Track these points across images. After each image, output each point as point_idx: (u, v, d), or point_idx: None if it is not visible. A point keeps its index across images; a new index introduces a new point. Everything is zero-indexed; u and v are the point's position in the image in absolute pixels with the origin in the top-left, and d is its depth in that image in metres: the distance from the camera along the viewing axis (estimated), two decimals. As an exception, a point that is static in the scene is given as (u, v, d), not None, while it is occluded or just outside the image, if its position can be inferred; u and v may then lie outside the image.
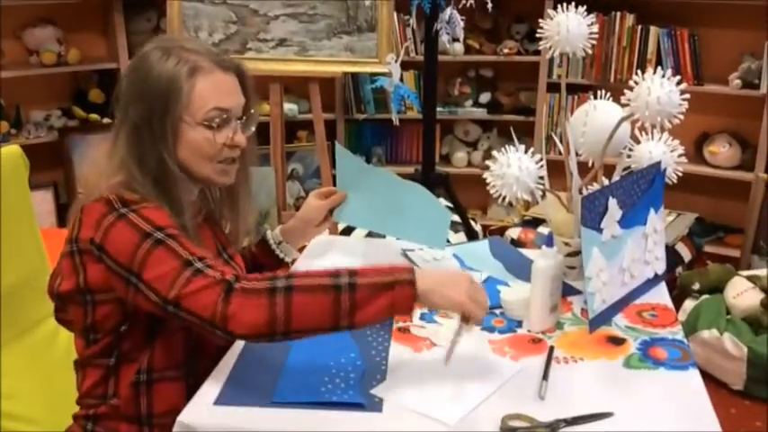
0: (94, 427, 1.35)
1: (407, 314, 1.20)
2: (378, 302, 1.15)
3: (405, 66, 2.69)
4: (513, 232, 3.38)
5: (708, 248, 3.59)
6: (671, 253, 3.10)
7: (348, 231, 3.34)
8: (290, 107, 3.72)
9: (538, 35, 1.66)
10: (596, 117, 1.65)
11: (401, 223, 1.65)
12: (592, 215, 1.41)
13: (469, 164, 4.10)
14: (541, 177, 1.54)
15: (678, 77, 1.48)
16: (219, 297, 1.13)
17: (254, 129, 1.40)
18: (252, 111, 1.39)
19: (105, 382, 1.35)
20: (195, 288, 1.15)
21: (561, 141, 1.72)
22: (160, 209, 1.27)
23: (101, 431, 1.35)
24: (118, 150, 1.31)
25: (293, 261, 1.75)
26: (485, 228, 3.93)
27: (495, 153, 1.53)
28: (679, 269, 3.16)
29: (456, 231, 3.29)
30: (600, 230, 1.43)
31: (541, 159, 1.53)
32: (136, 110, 1.29)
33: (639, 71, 1.50)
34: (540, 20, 1.64)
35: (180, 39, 1.34)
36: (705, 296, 2.82)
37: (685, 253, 3.31)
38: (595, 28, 1.62)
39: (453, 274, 1.22)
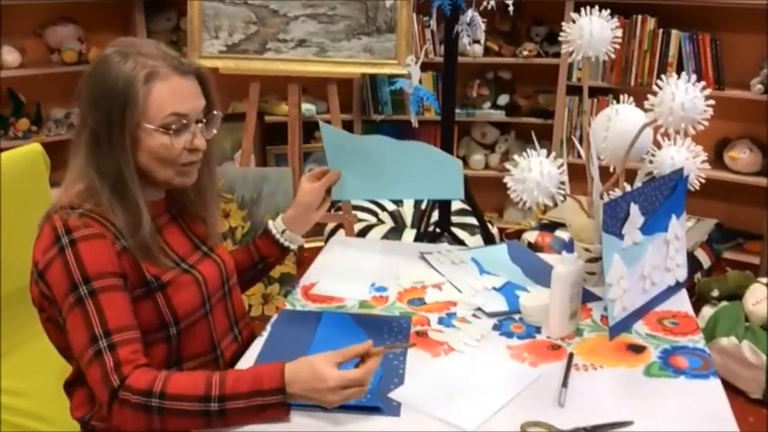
0: None
1: (285, 419, 1.20)
2: (251, 421, 1.19)
3: (423, 67, 2.68)
4: (531, 236, 3.36)
5: (727, 255, 3.56)
6: (690, 259, 3.05)
7: (364, 233, 3.35)
8: (307, 107, 3.72)
9: (560, 38, 1.64)
10: (618, 122, 1.63)
11: (409, 184, 1.58)
12: (613, 221, 1.40)
13: (486, 166, 4.08)
14: (562, 182, 1.53)
15: (702, 83, 1.47)
16: (105, 401, 1.19)
17: (215, 131, 1.38)
18: (213, 113, 1.37)
19: (91, 406, 1.35)
20: (91, 377, 1.21)
21: (582, 145, 1.71)
22: (101, 239, 1.25)
23: None
24: (78, 158, 1.30)
25: (300, 248, 1.72)
26: (501, 231, 3.91)
27: (515, 157, 1.52)
28: (698, 275, 3.13)
29: (473, 234, 3.28)
30: (621, 237, 1.42)
31: (562, 164, 1.52)
32: (93, 116, 1.27)
33: (663, 76, 1.48)
34: (563, 23, 1.63)
35: (138, 43, 1.32)
36: (724, 303, 2.78)
37: (704, 259, 3.28)
38: (619, 32, 1.61)
39: (320, 382, 1.17)
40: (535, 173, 1.47)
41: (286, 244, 1.63)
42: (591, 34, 1.58)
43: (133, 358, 1.21)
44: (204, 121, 1.35)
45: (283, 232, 1.62)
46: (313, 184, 1.59)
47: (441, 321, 1.53)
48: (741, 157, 3.51)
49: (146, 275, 1.30)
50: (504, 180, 1.53)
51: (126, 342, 1.21)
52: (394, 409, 1.23)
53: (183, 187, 1.39)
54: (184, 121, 1.31)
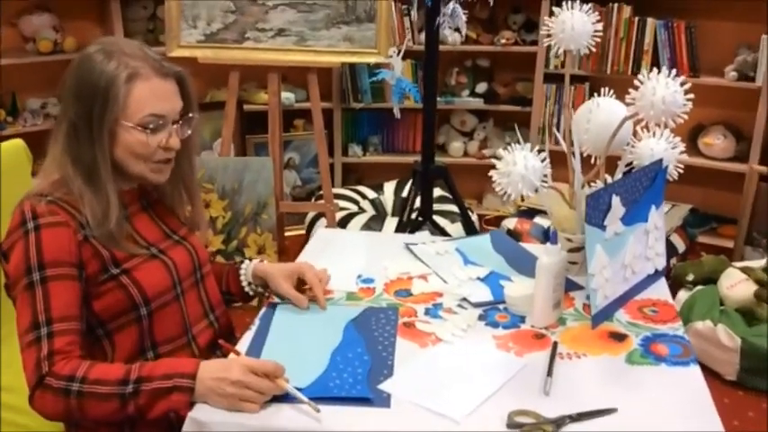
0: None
1: (186, 411, 1.23)
2: (158, 407, 1.23)
3: (403, 55, 2.69)
4: (510, 222, 3.39)
5: (701, 239, 3.62)
6: (665, 244, 3.12)
7: (345, 222, 3.36)
8: (287, 96, 3.71)
9: (541, 30, 1.67)
10: (600, 114, 1.66)
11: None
12: (596, 212, 1.43)
13: (465, 153, 4.10)
14: (545, 175, 1.55)
15: (682, 78, 1.49)
16: (32, 384, 1.25)
17: (190, 132, 1.44)
18: (190, 115, 1.43)
19: None
20: (25, 362, 1.26)
21: (560, 133, 1.73)
22: (65, 227, 1.30)
23: None
24: (56, 147, 1.37)
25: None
26: (480, 217, 3.94)
27: (500, 151, 1.55)
28: (673, 260, 3.19)
29: (453, 221, 3.31)
30: (603, 228, 1.45)
31: (546, 158, 1.54)
32: (74, 109, 1.33)
33: (643, 63, 1.51)
34: (542, 15, 1.66)
35: (122, 42, 1.39)
36: (699, 287, 2.84)
37: (679, 244, 3.34)
38: (600, 26, 1.63)
39: (225, 370, 1.22)
40: (520, 166, 1.50)
41: (251, 293, 1.64)
42: (572, 28, 1.60)
43: (68, 349, 1.26)
44: (180, 122, 1.41)
45: (249, 284, 1.62)
46: (291, 288, 1.57)
47: (427, 312, 1.55)
48: (715, 143, 3.57)
49: (105, 263, 1.34)
50: (490, 174, 1.55)
51: (65, 332, 1.26)
52: (384, 400, 1.25)
53: (156, 183, 1.44)
54: (161, 122, 1.37)
